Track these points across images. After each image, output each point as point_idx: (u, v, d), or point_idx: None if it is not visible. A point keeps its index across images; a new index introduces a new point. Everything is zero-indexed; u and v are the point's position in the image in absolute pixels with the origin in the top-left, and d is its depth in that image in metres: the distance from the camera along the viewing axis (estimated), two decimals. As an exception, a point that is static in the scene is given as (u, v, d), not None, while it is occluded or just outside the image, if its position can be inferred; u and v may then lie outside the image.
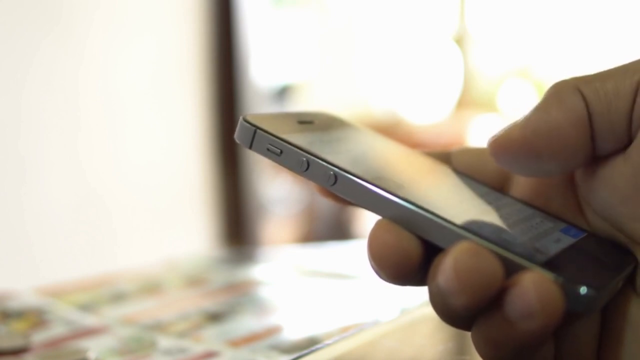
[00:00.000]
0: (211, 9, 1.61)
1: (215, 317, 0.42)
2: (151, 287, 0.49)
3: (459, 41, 3.07)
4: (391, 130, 2.36)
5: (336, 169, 0.26)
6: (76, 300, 0.46)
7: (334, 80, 2.95)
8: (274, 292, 0.49)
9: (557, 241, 0.26)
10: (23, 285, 0.49)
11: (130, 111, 1.45)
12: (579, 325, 0.26)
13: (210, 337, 0.39)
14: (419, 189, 0.28)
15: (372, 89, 3.01)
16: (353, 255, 0.58)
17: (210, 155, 1.64)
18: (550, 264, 0.24)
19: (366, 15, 3.03)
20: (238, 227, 1.70)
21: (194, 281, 0.50)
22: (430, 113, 2.95)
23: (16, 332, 0.40)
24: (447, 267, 0.23)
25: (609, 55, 2.70)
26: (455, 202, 0.28)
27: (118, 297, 0.47)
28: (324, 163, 0.27)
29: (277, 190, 2.26)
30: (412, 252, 0.25)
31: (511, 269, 0.23)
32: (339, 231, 2.22)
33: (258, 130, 0.28)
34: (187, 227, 1.61)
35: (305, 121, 0.31)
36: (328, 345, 0.36)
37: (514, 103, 2.91)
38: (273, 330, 0.40)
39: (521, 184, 0.29)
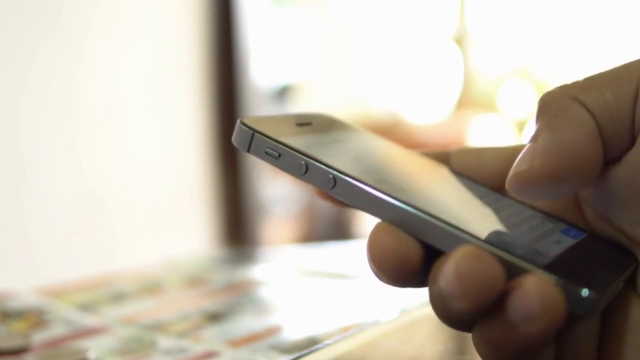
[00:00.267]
0: (211, 9, 1.61)
1: (215, 317, 0.42)
2: (151, 287, 0.49)
3: (459, 41, 3.07)
4: (391, 130, 2.36)
5: (335, 172, 0.26)
6: (76, 300, 0.46)
7: (334, 80, 2.95)
8: (274, 292, 0.49)
9: (558, 242, 0.26)
10: (23, 285, 0.49)
11: (130, 111, 1.45)
12: (580, 327, 0.26)
13: (210, 337, 0.39)
14: (418, 191, 0.27)
15: (372, 89, 3.01)
16: (353, 255, 0.58)
17: (210, 155, 1.64)
18: (551, 267, 0.24)
19: (366, 15, 3.03)
20: (238, 227, 1.69)
21: (194, 281, 0.50)
22: (430, 113, 2.95)
23: (16, 332, 0.40)
24: (448, 270, 0.23)
25: (609, 55, 2.70)
26: (454, 204, 0.27)
27: (118, 297, 0.47)
28: (322, 166, 0.27)
29: (277, 190, 2.26)
30: (412, 255, 0.25)
31: (512, 272, 0.23)
32: (339, 231, 2.22)
33: (256, 134, 0.27)
34: (187, 227, 1.61)
35: (303, 123, 0.30)
36: (328, 345, 0.36)
37: (514, 103, 2.91)
38: (273, 330, 0.40)
39: None
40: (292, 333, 0.39)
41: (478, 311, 0.23)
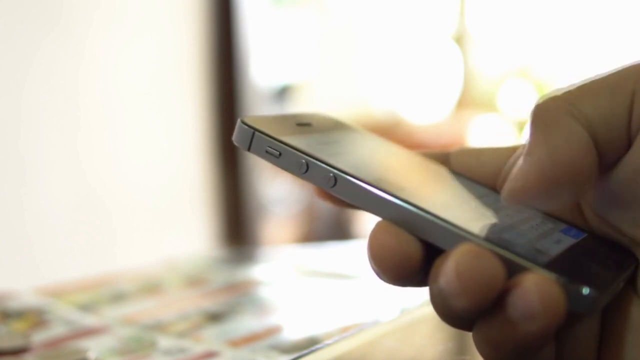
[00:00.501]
0: (211, 9, 1.61)
1: (215, 317, 0.42)
2: (151, 287, 0.49)
3: (459, 41, 3.07)
4: (391, 130, 2.36)
5: (336, 171, 0.26)
6: (76, 300, 0.46)
7: (334, 80, 2.95)
8: (274, 292, 0.49)
9: (558, 242, 0.26)
10: (23, 285, 0.49)
11: (130, 111, 1.45)
12: (580, 326, 0.26)
13: (210, 337, 0.39)
14: (418, 190, 0.27)
15: (372, 89, 3.01)
16: (353, 255, 0.58)
17: (210, 155, 1.64)
18: (551, 265, 0.24)
19: (366, 15, 3.03)
20: (238, 227, 1.70)
21: (194, 281, 0.50)
22: (430, 113, 2.95)
23: (16, 332, 0.40)
24: (448, 269, 0.23)
25: (609, 55, 2.70)
26: (455, 204, 0.27)
27: (118, 297, 0.47)
28: (323, 165, 0.27)
29: (277, 190, 2.26)
30: (413, 253, 0.25)
31: (512, 270, 0.23)
32: (339, 231, 2.22)
33: (256, 133, 0.28)
34: (187, 227, 1.61)
35: (304, 123, 0.31)
36: (328, 345, 0.36)
37: (514, 103, 2.91)
38: (273, 330, 0.40)
39: None
40: (292, 333, 0.39)
41: (478, 309, 0.23)
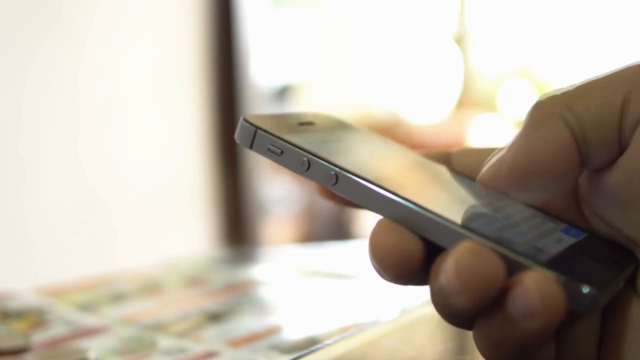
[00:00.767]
0: (211, 9, 1.61)
1: (215, 317, 0.42)
2: (151, 287, 0.49)
3: (459, 41, 3.07)
4: (391, 130, 2.36)
5: (337, 169, 0.26)
6: (76, 300, 0.46)
7: (334, 80, 2.95)
8: (274, 292, 0.49)
9: (559, 241, 0.26)
10: (23, 285, 0.49)
11: (130, 111, 1.45)
12: (580, 326, 0.26)
13: (210, 337, 0.39)
14: (420, 189, 0.28)
15: (372, 89, 3.01)
16: (353, 255, 0.58)
17: (210, 155, 1.64)
18: (552, 263, 0.24)
19: (366, 15, 3.03)
20: (238, 227, 1.70)
21: (194, 281, 0.50)
22: (430, 113, 2.95)
23: (16, 332, 0.40)
24: (448, 266, 0.23)
25: (609, 55, 2.70)
26: (456, 202, 0.28)
27: (118, 297, 0.47)
28: (325, 163, 0.27)
29: (277, 190, 2.26)
30: (414, 252, 0.25)
31: (513, 269, 0.23)
32: (339, 231, 2.22)
33: (259, 131, 0.28)
34: (187, 227, 1.61)
35: (306, 122, 0.31)
36: (328, 345, 0.36)
37: (514, 103, 2.91)
38: (273, 330, 0.40)
39: None
40: (292, 333, 0.39)
41: (478, 307, 0.23)
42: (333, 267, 0.53)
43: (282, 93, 2.73)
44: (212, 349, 0.37)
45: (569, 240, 0.26)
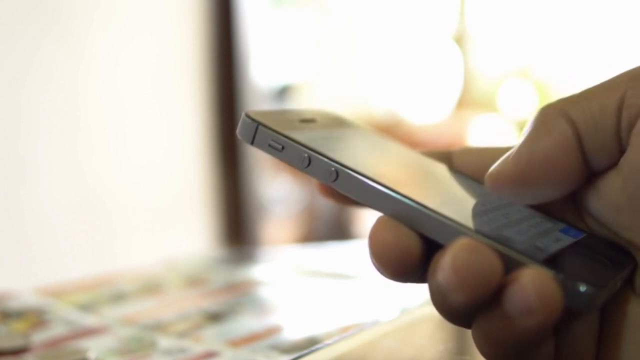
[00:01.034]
0: (211, 9, 1.61)
1: (215, 317, 0.42)
2: (151, 287, 0.49)
3: (459, 41, 3.07)
4: (391, 130, 2.36)
5: (337, 165, 0.27)
6: (76, 300, 0.46)
7: (334, 80, 2.95)
8: (274, 292, 0.49)
9: (557, 240, 0.26)
10: (23, 285, 0.49)
11: (130, 111, 1.45)
12: (578, 325, 0.26)
13: (210, 337, 0.39)
14: (419, 186, 0.28)
15: (372, 89, 3.01)
16: (353, 255, 0.58)
17: (210, 155, 1.64)
18: (549, 261, 0.24)
19: (366, 15, 3.03)
20: (238, 227, 1.70)
21: (194, 281, 0.50)
22: (430, 113, 2.95)
23: (16, 332, 0.40)
24: (446, 263, 0.23)
25: (609, 55, 2.70)
26: (455, 200, 0.28)
27: (118, 297, 0.47)
28: (325, 159, 0.27)
29: (277, 190, 2.26)
30: (413, 249, 0.25)
31: (510, 266, 0.23)
32: (339, 231, 2.22)
33: (260, 126, 0.28)
34: (187, 227, 1.61)
35: (307, 119, 0.31)
36: (328, 345, 0.36)
37: (514, 103, 2.91)
38: (273, 330, 0.40)
39: None
40: (292, 333, 0.39)
41: (476, 304, 0.23)
42: (333, 267, 0.53)
43: (282, 93, 2.73)
44: (212, 349, 0.37)
45: (567, 240, 0.26)
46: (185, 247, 1.55)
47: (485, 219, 0.26)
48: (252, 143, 0.28)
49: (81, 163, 1.35)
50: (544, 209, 0.29)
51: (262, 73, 1.78)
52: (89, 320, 0.42)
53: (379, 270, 0.26)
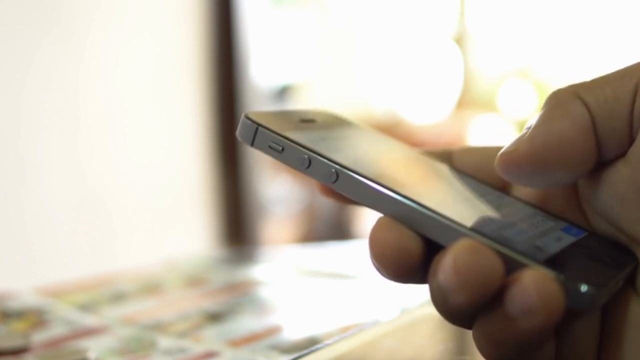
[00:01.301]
0: (211, 9, 1.61)
1: (215, 317, 0.42)
2: (151, 287, 0.49)
3: (459, 41, 3.07)
4: (391, 130, 2.35)
5: (338, 167, 0.27)
6: (76, 300, 0.46)
7: (334, 80, 2.95)
8: (274, 292, 0.49)
9: (558, 240, 0.26)
10: (23, 285, 0.49)
11: (130, 111, 1.45)
12: (580, 325, 0.26)
13: (210, 337, 0.39)
14: (420, 187, 0.28)
15: (372, 89, 3.01)
16: (353, 255, 0.58)
17: (210, 155, 1.64)
18: (551, 262, 0.24)
19: (366, 15, 3.03)
20: (238, 227, 1.69)
21: (194, 281, 0.50)
22: (430, 113, 2.95)
23: (16, 332, 0.40)
24: (447, 264, 0.23)
25: (609, 55, 2.70)
26: (456, 201, 0.28)
27: (118, 297, 0.47)
28: (325, 160, 0.27)
29: (277, 190, 2.26)
30: (413, 250, 0.25)
31: (512, 267, 0.23)
32: (339, 231, 2.22)
33: (260, 128, 0.28)
34: (187, 227, 1.61)
35: (307, 119, 0.31)
36: (328, 345, 0.36)
37: (514, 103, 2.91)
38: (273, 330, 0.40)
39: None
40: (292, 333, 0.39)
41: (477, 305, 0.23)
42: (333, 267, 0.53)
43: (282, 93, 2.73)
44: (212, 349, 0.37)
45: (568, 239, 0.26)
46: (185, 247, 1.54)
47: (486, 219, 0.26)
48: (252, 144, 0.28)
49: (81, 163, 1.35)
50: (546, 205, 0.29)
51: (262, 73, 1.78)
52: (89, 320, 0.42)
53: (379, 271, 0.25)
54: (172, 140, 1.56)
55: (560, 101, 0.26)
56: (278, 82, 2.65)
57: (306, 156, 0.27)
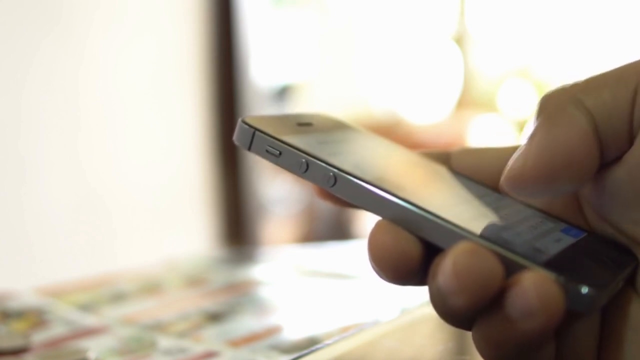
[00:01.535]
0: (211, 9, 1.61)
1: (215, 317, 0.42)
2: (151, 287, 0.49)
3: (459, 41, 3.07)
4: (391, 130, 2.36)
5: (336, 170, 0.26)
6: (76, 300, 0.46)
7: (334, 80, 2.95)
8: (274, 292, 0.49)
9: (558, 241, 0.26)
10: (23, 285, 0.49)
11: (130, 111, 1.45)
12: (580, 326, 0.26)
13: (210, 337, 0.39)
14: (418, 189, 0.28)
15: (372, 89, 3.01)
16: (353, 255, 0.58)
17: (210, 155, 1.64)
18: (550, 264, 0.24)
19: (366, 15, 3.03)
20: (238, 227, 1.69)
21: (194, 281, 0.50)
22: (430, 113, 2.95)
23: (16, 332, 0.40)
24: (446, 267, 0.23)
25: (609, 54, 2.70)
26: (454, 203, 0.28)
27: (118, 297, 0.47)
28: (323, 164, 0.27)
29: (277, 190, 2.26)
30: (412, 252, 0.25)
31: (511, 269, 0.23)
32: (339, 231, 2.22)
33: (257, 132, 0.28)
34: (187, 227, 1.61)
35: (304, 123, 0.31)
36: (328, 345, 0.36)
37: (514, 103, 2.91)
38: (273, 330, 0.40)
39: None
40: (292, 333, 0.39)
41: (477, 308, 0.23)
42: (333, 267, 0.53)
43: (282, 93, 2.73)
44: (212, 349, 0.37)
45: (568, 240, 0.26)
46: (185, 247, 1.54)
47: (485, 221, 0.26)
48: (249, 149, 0.28)
49: (81, 163, 1.35)
50: (545, 207, 0.29)
51: (262, 73, 1.78)
52: (89, 320, 0.42)
53: (378, 274, 0.25)
54: (172, 140, 1.56)
55: (559, 108, 0.25)
56: (278, 82, 2.65)
57: (304, 160, 0.27)
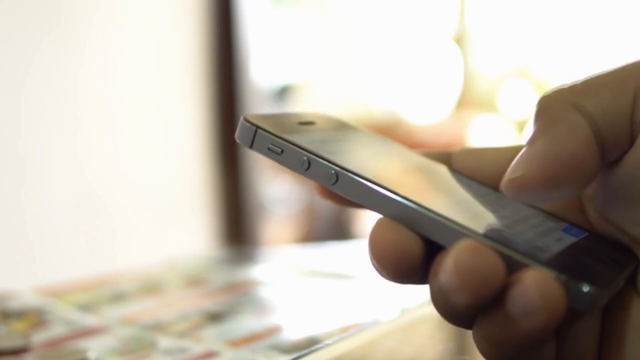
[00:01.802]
0: (211, 9, 1.61)
1: (215, 317, 0.42)
2: (151, 287, 0.49)
3: (459, 41, 3.07)
4: (391, 130, 2.36)
5: (337, 168, 0.26)
6: (76, 300, 0.46)
7: (334, 80, 2.95)
8: (274, 292, 0.49)
9: (559, 240, 0.26)
10: (23, 285, 0.49)
11: (130, 111, 1.45)
12: (580, 325, 0.26)
13: (210, 337, 0.39)
14: (420, 188, 0.28)
15: (372, 89, 3.01)
16: (353, 255, 0.58)
17: (210, 155, 1.64)
18: (552, 262, 0.24)
19: (366, 15, 3.03)
20: (238, 227, 1.69)
21: (194, 281, 0.50)
22: (430, 113, 2.95)
23: (16, 332, 0.40)
24: (448, 265, 0.23)
25: (609, 54, 2.70)
26: (456, 201, 0.28)
27: (118, 297, 0.47)
28: (325, 162, 0.27)
29: (277, 190, 2.26)
30: (413, 250, 0.25)
31: (513, 267, 0.23)
32: (339, 231, 2.22)
33: (259, 130, 0.28)
34: (187, 227, 1.61)
35: (306, 122, 0.31)
36: (328, 345, 0.36)
37: (514, 103, 2.91)
38: (273, 330, 0.40)
39: None
40: (292, 333, 0.39)
41: (478, 306, 0.23)
42: (333, 267, 0.53)
43: (282, 93, 2.73)
44: (212, 349, 0.37)
45: (569, 240, 0.26)
46: (185, 247, 1.54)
47: (486, 220, 0.26)
48: (251, 147, 0.28)
49: (81, 163, 1.35)
50: (546, 207, 0.29)
51: (262, 73, 1.78)
52: (89, 320, 0.42)
53: (379, 272, 0.25)
54: (172, 140, 1.56)
55: (559, 112, 0.25)
56: (278, 82, 2.65)
57: (305, 158, 0.27)
